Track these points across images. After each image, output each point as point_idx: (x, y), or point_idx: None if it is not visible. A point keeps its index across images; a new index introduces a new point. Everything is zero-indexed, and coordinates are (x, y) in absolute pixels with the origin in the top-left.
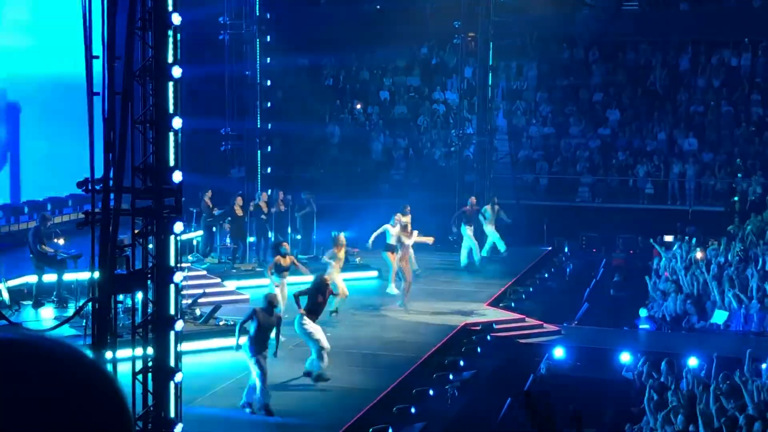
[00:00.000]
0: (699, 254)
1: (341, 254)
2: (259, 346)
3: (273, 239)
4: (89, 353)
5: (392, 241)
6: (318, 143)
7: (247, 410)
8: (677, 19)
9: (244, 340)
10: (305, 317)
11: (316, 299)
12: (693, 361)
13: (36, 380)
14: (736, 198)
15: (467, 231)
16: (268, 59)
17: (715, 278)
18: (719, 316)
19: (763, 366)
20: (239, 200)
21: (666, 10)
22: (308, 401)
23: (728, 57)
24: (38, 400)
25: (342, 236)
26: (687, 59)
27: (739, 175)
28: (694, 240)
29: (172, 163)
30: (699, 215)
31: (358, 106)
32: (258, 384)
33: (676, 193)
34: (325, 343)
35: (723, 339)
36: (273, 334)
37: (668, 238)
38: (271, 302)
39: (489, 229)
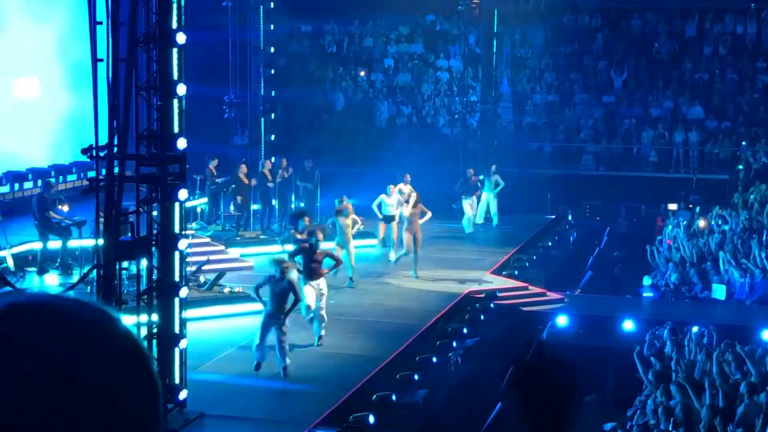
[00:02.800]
0: (702, 223)
1: (348, 221)
2: (271, 311)
3: (276, 206)
4: (115, 314)
5: (389, 211)
6: (321, 111)
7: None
8: None
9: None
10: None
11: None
12: (695, 329)
13: (69, 344)
14: (740, 166)
15: (465, 203)
16: (272, 26)
17: (718, 247)
18: (719, 291)
19: (766, 336)
20: (243, 168)
21: None
22: (312, 368)
23: (734, 25)
24: (70, 362)
25: (346, 202)
26: (693, 27)
27: (743, 143)
28: (698, 208)
29: (176, 130)
30: (703, 183)
31: (362, 74)
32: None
33: (680, 161)
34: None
35: (726, 308)
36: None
37: (672, 207)
38: (279, 267)
39: (487, 198)
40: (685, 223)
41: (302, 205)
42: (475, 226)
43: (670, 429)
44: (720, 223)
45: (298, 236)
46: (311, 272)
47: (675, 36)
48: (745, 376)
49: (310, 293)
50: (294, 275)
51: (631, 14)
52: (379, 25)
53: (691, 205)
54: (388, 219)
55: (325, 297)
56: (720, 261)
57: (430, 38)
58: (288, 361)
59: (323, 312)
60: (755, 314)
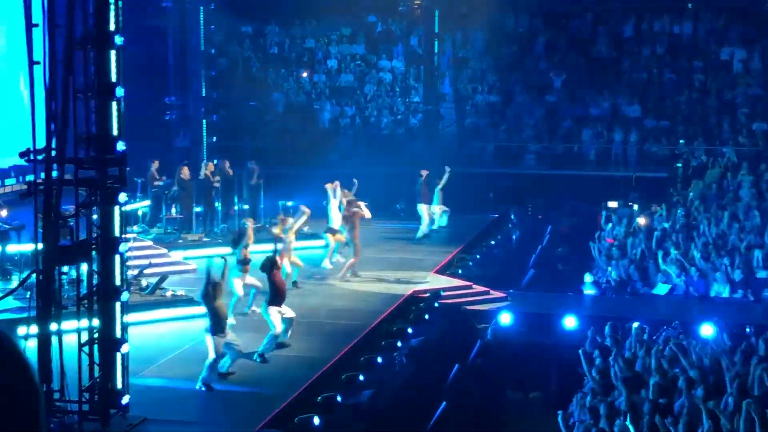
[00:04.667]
0: (642, 220)
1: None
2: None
3: (220, 208)
4: None
5: (333, 224)
6: (263, 112)
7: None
8: None
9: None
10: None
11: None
12: (636, 325)
13: None
14: (679, 164)
15: (420, 207)
16: (212, 27)
17: (658, 244)
18: (661, 289)
19: (704, 330)
20: (185, 170)
21: None
22: (256, 371)
23: (671, 24)
24: None
25: (282, 216)
26: (630, 27)
27: (681, 141)
28: (637, 206)
29: (115, 132)
30: (642, 181)
31: (304, 75)
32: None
33: (620, 160)
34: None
35: (665, 303)
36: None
37: (612, 204)
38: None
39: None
40: (625, 220)
41: (246, 207)
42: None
43: (615, 424)
44: (659, 220)
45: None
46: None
47: (613, 36)
48: (683, 371)
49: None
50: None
51: (571, 15)
52: (321, 26)
53: (630, 203)
54: (332, 231)
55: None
56: (659, 258)
57: (372, 39)
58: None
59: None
60: (693, 309)
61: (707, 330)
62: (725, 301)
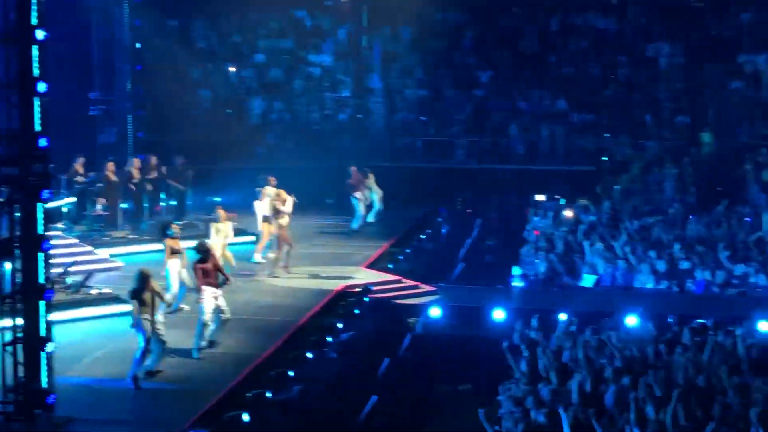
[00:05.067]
0: (568, 213)
1: (223, 227)
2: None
3: (147, 205)
4: None
5: (266, 212)
6: (190, 107)
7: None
8: None
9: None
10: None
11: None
12: (563, 317)
13: None
14: (604, 158)
15: (356, 199)
16: (137, 21)
17: (584, 237)
18: (588, 280)
19: (629, 321)
20: (110, 166)
21: None
22: (184, 369)
23: (596, 19)
24: None
25: (221, 211)
26: (557, 22)
27: (607, 135)
28: (563, 200)
29: (38, 128)
30: (569, 175)
31: (232, 69)
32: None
33: (547, 154)
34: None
35: (592, 295)
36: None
37: (540, 198)
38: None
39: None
40: (552, 213)
41: (173, 203)
42: (363, 223)
43: (544, 415)
44: (586, 213)
45: (173, 244)
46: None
47: (540, 31)
48: (610, 361)
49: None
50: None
51: (498, 10)
52: (248, 20)
53: (557, 197)
54: (266, 219)
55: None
56: (586, 250)
57: (301, 33)
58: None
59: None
60: (619, 300)
61: (632, 320)
62: (650, 292)
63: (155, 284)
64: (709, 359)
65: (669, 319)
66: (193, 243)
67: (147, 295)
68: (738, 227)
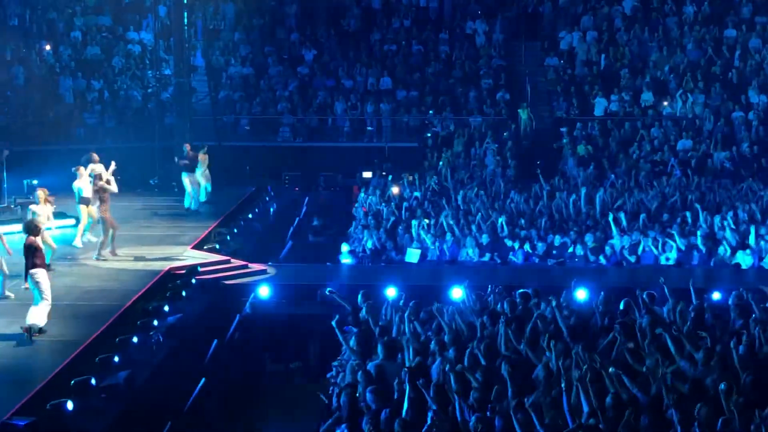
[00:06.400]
0: (395, 189)
1: (42, 209)
2: None
3: None
4: None
5: (86, 193)
6: (3, 87)
7: None
8: None
9: None
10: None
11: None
12: (391, 291)
13: None
14: (428, 134)
15: (185, 179)
16: None
17: (410, 212)
18: (413, 255)
19: (455, 293)
20: None
21: None
22: (4, 357)
23: None
24: None
25: (41, 191)
26: (378, 0)
27: (430, 111)
28: (390, 176)
29: None
30: (395, 152)
31: (47, 47)
32: None
33: (373, 131)
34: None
35: (419, 270)
36: None
37: (367, 175)
38: None
39: (201, 178)
40: (378, 191)
41: None
42: (198, 203)
43: (372, 390)
44: (411, 189)
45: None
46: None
47: (363, 9)
48: (436, 334)
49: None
50: None
51: None
52: None
53: (384, 173)
54: (85, 200)
55: None
56: (412, 226)
57: (119, 10)
58: None
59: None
60: (445, 274)
61: (457, 293)
62: (474, 265)
63: None
64: (531, 328)
65: (489, 290)
66: (11, 228)
67: None
68: (546, 200)
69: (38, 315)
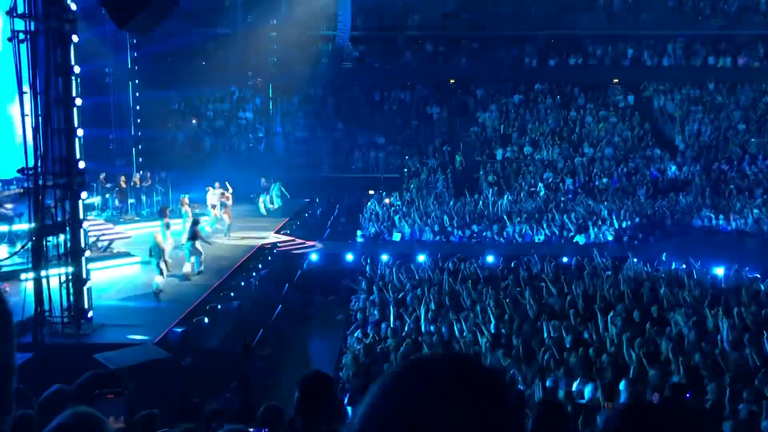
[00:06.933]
0: (386, 200)
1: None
2: None
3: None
4: None
5: (210, 201)
6: (170, 144)
7: None
8: None
9: None
10: None
11: None
12: (385, 257)
13: None
14: (405, 169)
15: (260, 199)
16: None
17: (395, 213)
18: (396, 237)
19: (420, 258)
20: (123, 177)
21: None
22: (168, 292)
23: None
24: None
25: (184, 199)
26: (379, 94)
27: (406, 157)
28: (384, 193)
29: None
30: (387, 179)
31: (194, 121)
32: None
33: (374, 168)
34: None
35: (400, 245)
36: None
37: (371, 192)
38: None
39: (269, 196)
40: (377, 201)
41: None
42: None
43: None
44: (396, 200)
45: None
46: None
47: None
48: (411, 279)
49: None
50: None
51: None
52: (202, 92)
53: (380, 191)
54: (212, 206)
55: None
56: (396, 221)
57: (234, 100)
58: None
59: None
60: (415, 247)
61: (421, 258)
62: (431, 242)
63: None
64: (459, 278)
65: (440, 256)
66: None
67: None
68: (471, 206)
69: (186, 269)
